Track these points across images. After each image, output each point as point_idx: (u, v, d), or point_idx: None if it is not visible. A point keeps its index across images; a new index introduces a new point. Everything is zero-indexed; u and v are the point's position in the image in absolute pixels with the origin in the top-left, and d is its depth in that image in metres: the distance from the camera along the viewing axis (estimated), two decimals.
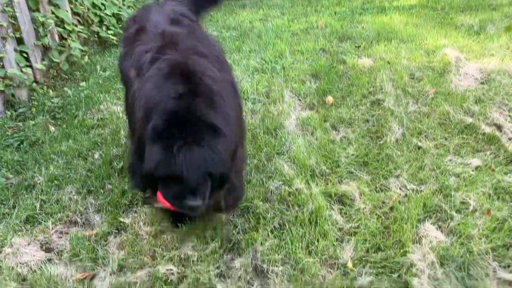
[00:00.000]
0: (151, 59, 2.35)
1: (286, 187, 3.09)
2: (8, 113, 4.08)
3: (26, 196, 3.09)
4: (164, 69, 2.24)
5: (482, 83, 4.31)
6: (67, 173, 3.29)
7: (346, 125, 3.79)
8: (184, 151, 1.96)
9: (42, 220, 2.90)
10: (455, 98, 3.99)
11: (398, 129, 3.65)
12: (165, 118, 2.01)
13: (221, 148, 2.07)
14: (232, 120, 2.31)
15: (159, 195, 2.17)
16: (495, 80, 4.27)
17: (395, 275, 2.49)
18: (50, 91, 4.45)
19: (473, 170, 3.17)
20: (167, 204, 2.16)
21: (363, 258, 2.61)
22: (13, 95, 4.26)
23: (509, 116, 3.73)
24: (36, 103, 4.25)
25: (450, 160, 3.29)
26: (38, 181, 3.22)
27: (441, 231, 2.74)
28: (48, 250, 2.71)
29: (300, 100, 4.23)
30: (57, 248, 2.71)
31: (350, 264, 2.56)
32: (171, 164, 1.96)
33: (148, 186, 2.29)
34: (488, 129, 3.54)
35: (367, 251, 2.65)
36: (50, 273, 2.52)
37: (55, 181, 3.21)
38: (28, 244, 2.71)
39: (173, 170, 1.97)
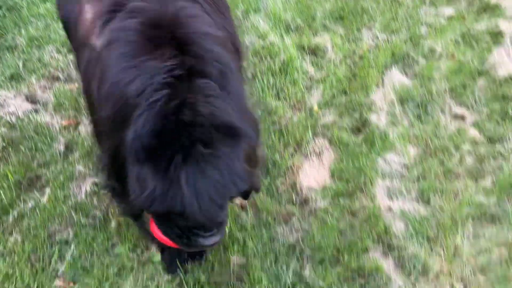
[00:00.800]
0: (109, 9, 1.58)
1: (260, 41, 3.16)
2: None
3: (8, 56, 3.18)
4: (136, 28, 1.48)
5: None
6: (47, 34, 3.34)
7: None
8: (192, 177, 1.28)
9: (26, 77, 3.03)
10: None
11: None
12: (156, 125, 1.30)
13: (243, 157, 1.40)
14: (246, 100, 1.67)
15: (155, 229, 1.56)
16: None
17: (356, 114, 2.67)
18: None
19: (445, 20, 3.20)
20: (167, 242, 1.56)
21: (329, 102, 2.78)
22: None
23: None
24: None
25: (424, 12, 3.30)
26: (19, 42, 3.28)
27: (406, 75, 2.87)
28: (33, 102, 2.87)
29: None
30: (42, 100, 2.88)
31: (315, 107, 2.74)
32: (174, 197, 1.29)
33: (141, 215, 1.65)
34: None
35: (333, 96, 2.81)
36: (37, 120, 2.72)
37: (35, 42, 3.27)
38: (14, 97, 2.87)
39: (178, 206, 1.30)
